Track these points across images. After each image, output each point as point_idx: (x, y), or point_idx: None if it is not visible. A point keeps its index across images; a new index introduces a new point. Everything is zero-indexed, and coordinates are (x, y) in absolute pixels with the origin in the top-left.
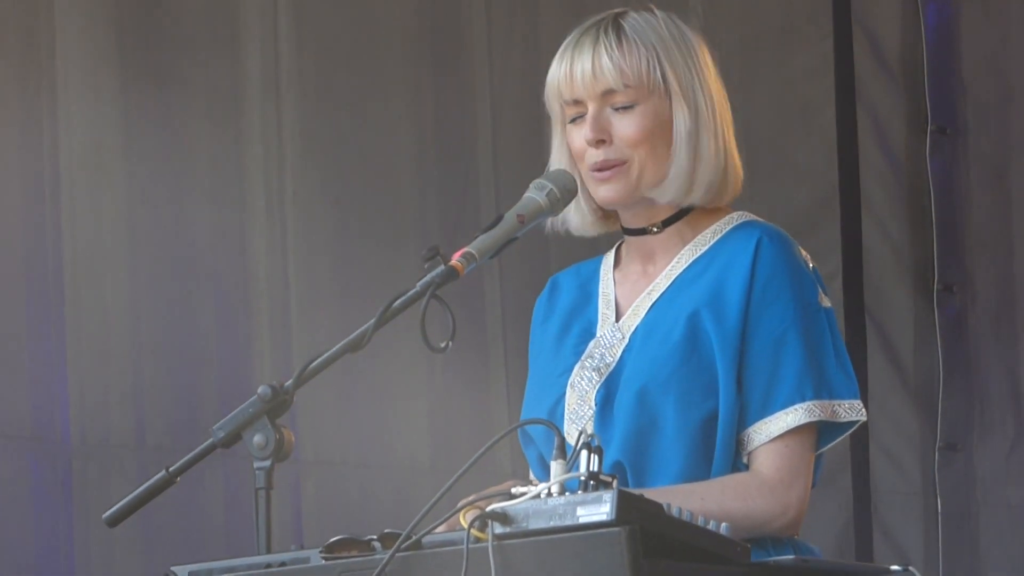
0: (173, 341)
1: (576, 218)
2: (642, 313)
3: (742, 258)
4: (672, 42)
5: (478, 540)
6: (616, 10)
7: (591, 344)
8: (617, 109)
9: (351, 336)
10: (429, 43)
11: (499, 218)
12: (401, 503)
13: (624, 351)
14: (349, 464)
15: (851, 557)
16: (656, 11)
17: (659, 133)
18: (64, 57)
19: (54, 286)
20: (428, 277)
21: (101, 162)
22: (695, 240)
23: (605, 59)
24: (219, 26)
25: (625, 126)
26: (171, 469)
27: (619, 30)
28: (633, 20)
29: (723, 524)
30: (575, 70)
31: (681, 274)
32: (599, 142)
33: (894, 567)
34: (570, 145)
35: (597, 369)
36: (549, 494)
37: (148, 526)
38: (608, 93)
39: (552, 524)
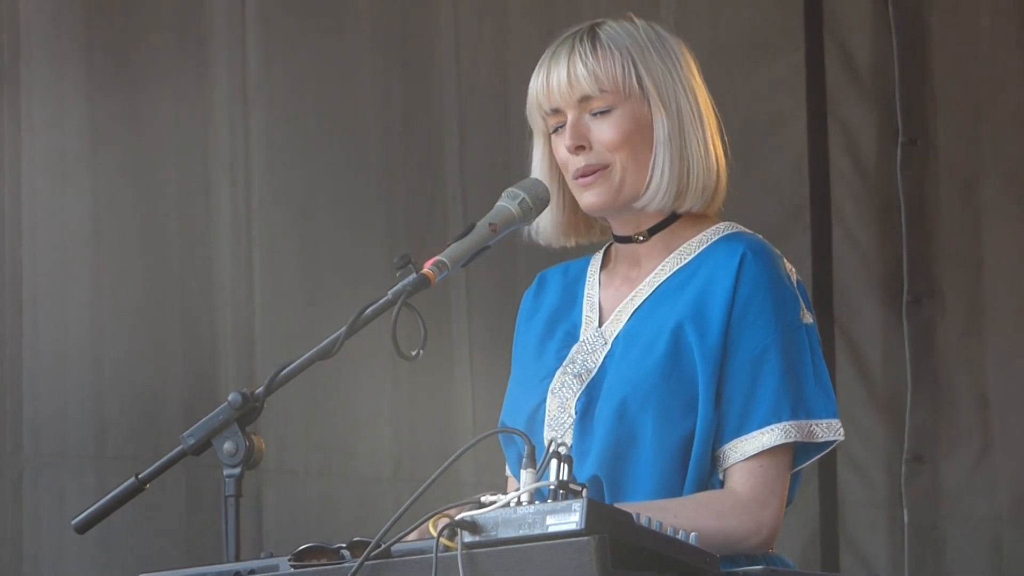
0: (135, 350)
1: (547, 228)
2: (624, 319)
3: (725, 272)
4: (650, 47)
5: (447, 549)
6: (594, 20)
7: (574, 348)
8: (595, 115)
9: (322, 344)
10: (397, 52)
11: (471, 227)
12: (363, 513)
13: (606, 358)
14: (311, 473)
15: (816, 567)
16: (635, 19)
17: (639, 136)
18: (28, 60)
19: (11, 292)
20: (400, 285)
21: (64, 168)
22: (680, 249)
23: (580, 66)
24: (186, 32)
25: (603, 130)
26: (140, 476)
27: (594, 38)
28: (609, 28)
29: (692, 534)
30: (552, 80)
31: (664, 282)
32: (579, 148)
33: None
34: (556, 156)
35: (579, 376)
36: (519, 503)
37: (101, 536)
38: (585, 99)
39: (521, 533)
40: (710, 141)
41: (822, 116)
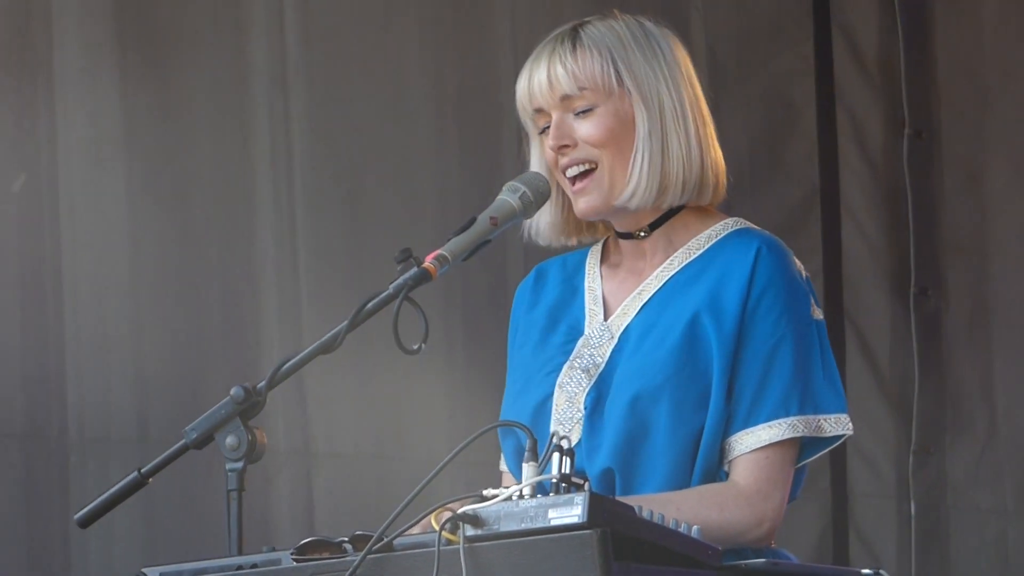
0: (177, 334)
1: (546, 228)
2: (632, 313)
3: (741, 266)
4: (633, 43)
5: (449, 542)
6: (578, 20)
7: (579, 343)
8: (578, 114)
9: (324, 338)
10: (448, 28)
11: (472, 220)
12: (428, 494)
13: (613, 352)
14: (364, 456)
15: (828, 560)
16: (620, 16)
17: (623, 134)
18: (61, 46)
19: (52, 278)
20: (401, 279)
21: (100, 153)
22: (688, 244)
23: (559, 67)
24: (222, 13)
25: (586, 128)
26: (143, 470)
27: (575, 38)
28: (591, 27)
29: (694, 527)
30: (533, 81)
31: (673, 276)
32: (563, 147)
33: (865, 571)
34: (545, 156)
35: (586, 370)
36: (521, 496)
37: (147, 521)
38: (566, 99)
39: (523, 526)
40: (693, 135)
41: (831, 107)
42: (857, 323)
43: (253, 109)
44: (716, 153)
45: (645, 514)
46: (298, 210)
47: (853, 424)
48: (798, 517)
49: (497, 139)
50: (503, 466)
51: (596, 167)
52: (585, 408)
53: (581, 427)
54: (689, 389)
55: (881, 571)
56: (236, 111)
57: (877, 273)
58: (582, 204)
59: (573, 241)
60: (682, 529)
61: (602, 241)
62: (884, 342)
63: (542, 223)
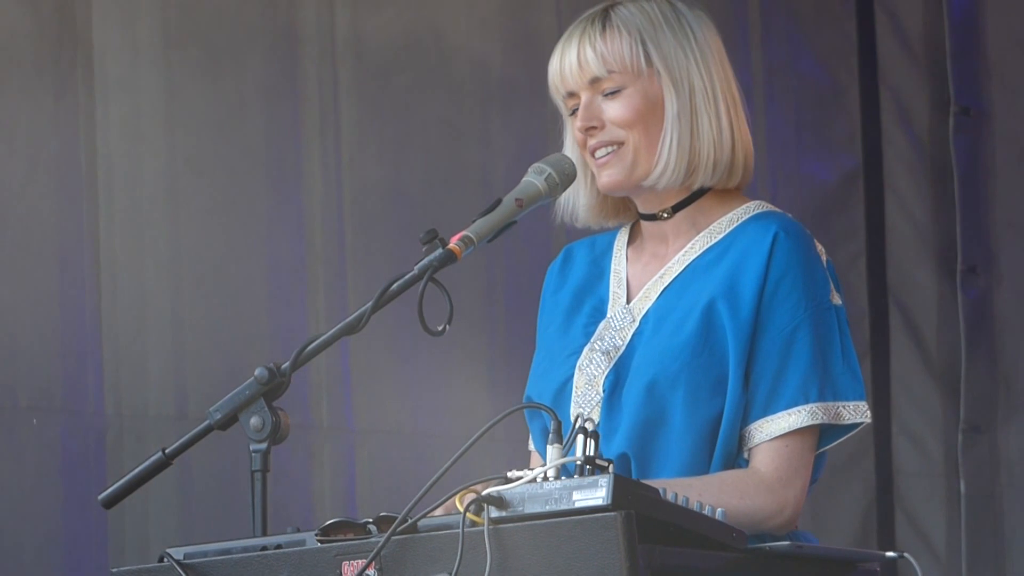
0: (217, 310)
1: (583, 211)
2: (653, 297)
3: (758, 251)
4: (664, 25)
5: (474, 524)
6: (610, 2)
7: (601, 325)
8: (607, 95)
9: (348, 319)
10: (496, 2)
11: (497, 202)
12: (457, 472)
13: (634, 335)
14: (405, 433)
15: (873, 539)
16: None
17: (651, 115)
18: (100, 18)
19: (89, 253)
20: (426, 260)
21: (140, 129)
22: (710, 227)
23: (588, 49)
24: None
25: (613, 109)
26: (167, 451)
27: (605, 20)
28: (622, 9)
29: (718, 510)
30: (564, 64)
31: (695, 260)
32: (591, 129)
33: (889, 553)
34: (575, 138)
35: (606, 353)
36: (545, 478)
37: (183, 499)
38: (595, 81)
39: (548, 508)
40: (724, 117)
41: (874, 85)
42: (901, 301)
43: (301, 81)
44: (745, 135)
45: (670, 496)
46: (345, 184)
47: (899, 403)
48: (841, 495)
49: (541, 115)
50: (531, 446)
51: (622, 145)
52: (604, 391)
53: (600, 410)
54: (705, 376)
55: (905, 554)
56: (284, 83)
57: (922, 251)
58: (604, 178)
59: (612, 223)
60: (707, 512)
61: (630, 223)
62: (930, 320)
63: (579, 206)
